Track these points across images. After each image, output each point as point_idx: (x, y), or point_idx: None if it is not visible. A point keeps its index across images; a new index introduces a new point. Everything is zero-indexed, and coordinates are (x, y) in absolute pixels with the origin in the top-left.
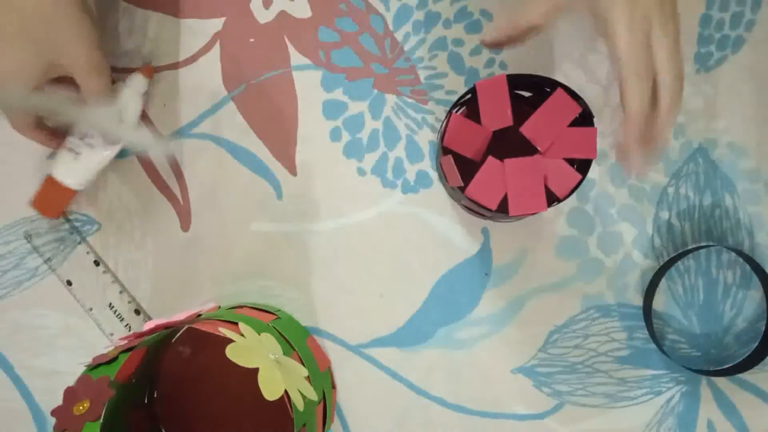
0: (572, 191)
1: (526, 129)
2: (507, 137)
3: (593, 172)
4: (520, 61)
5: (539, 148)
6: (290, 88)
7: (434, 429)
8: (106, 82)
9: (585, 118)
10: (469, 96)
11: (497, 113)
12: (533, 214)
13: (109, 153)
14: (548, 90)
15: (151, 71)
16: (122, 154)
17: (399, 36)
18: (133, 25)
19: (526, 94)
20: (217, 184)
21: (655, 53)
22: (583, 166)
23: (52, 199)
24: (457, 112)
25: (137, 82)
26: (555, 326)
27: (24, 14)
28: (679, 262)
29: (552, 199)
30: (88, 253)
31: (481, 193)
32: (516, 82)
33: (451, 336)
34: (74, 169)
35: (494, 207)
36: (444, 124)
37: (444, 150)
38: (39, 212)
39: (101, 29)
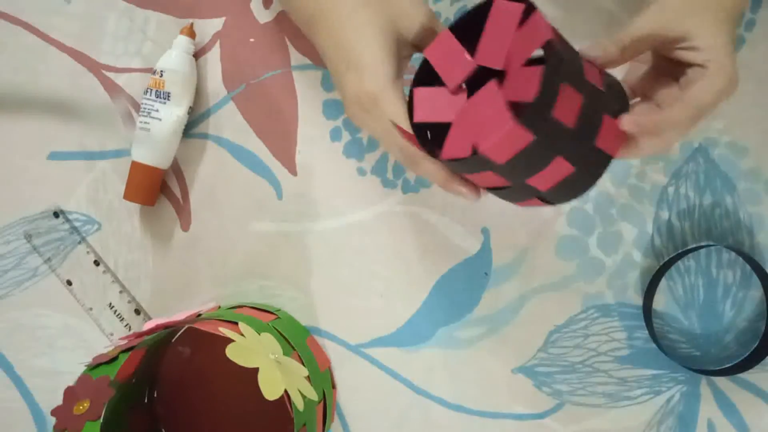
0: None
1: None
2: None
3: None
4: None
5: (497, 67)
6: (290, 88)
7: (434, 429)
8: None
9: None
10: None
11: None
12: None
13: (176, 116)
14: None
15: (192, 31)
16: (122, 154)
17: None
18: (133, 25)
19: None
20: (217, 184)
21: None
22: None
23: (143, 185)
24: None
25: (184, 43)
26: (555, 326)
27: (365, 5)
28: (679, 262)
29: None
30: (88, 252)
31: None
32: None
33: (451, 336)
34: (151, 145)
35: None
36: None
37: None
38: (135, 202)
39: None
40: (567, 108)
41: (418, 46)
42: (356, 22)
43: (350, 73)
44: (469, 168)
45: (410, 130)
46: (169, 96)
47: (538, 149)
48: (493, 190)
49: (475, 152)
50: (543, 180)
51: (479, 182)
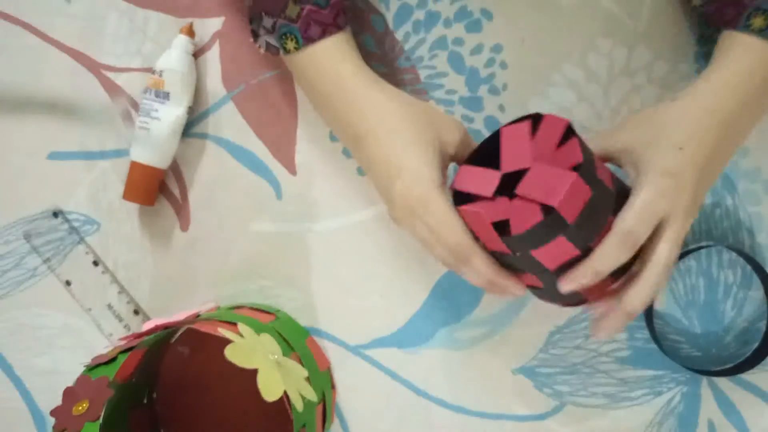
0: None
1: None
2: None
3: None
4: (520, 61)
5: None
6: (290, 88)
7: (434, 430)
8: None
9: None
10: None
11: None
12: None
13: (175, 116)
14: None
15: (192, 30)
16: (122, 154)
17: (399, 35)
18: (133, 25)
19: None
20: (216, 184)
21: (658, 238)
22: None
23: (142, 185)
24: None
25: (184, 43)
26: (556, 326)
27: (403, 122)
28: (680, 262)
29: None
30: (87, 253)
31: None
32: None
33: (452, 336)
34: (150, 144)
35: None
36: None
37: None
38: (135, 202)
39: None
40: (603, 172)
41: (454, 157)
42: (404, 135)
43: (399, 181)
44: (535, 242)
45: (461, 232)
46: (168, 96)
47: (597, 204)
48: (533, 289)
49: (548, 212)
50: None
51: (526, 279)
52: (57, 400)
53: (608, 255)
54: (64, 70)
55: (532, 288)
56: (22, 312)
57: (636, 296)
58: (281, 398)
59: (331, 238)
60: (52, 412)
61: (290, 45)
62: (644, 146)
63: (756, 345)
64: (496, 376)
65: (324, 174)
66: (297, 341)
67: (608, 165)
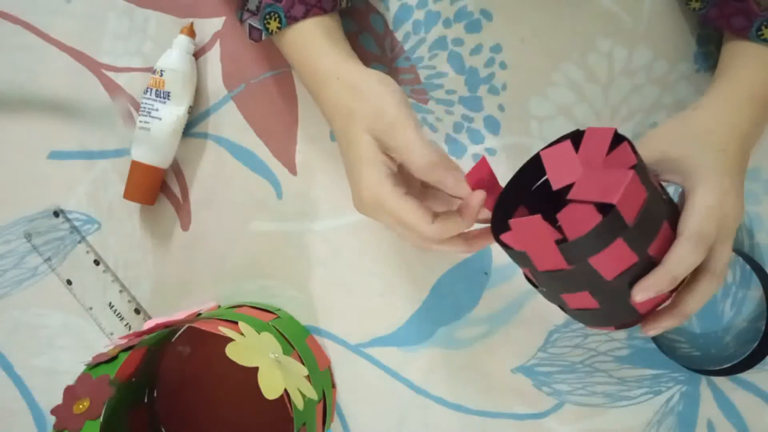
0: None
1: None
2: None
3: None
4: (520, 61)
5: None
6: (290, 88)
7: (434, 428)
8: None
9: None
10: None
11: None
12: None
13: (176, 115)
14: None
15: (192, 30)
16: (122, 154)
17: (399, 35)
18: (133, 25)
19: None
20: (217, 184)
21: (716, 250)
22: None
23: (143, 184)
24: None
25: (185, 43)
26: (555, 326)
27: (370, 116)
28: None
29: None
30: (88, 252)
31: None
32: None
33: (451, 335)
34: (150, 144)
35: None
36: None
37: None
38: (135, 202)
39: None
40: (654, 177)
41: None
42: (354, 133)
43: (354, 183)
44: (592, 248)
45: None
46: (169, 95)
47: (653, 206)
48: (584, 313)
49: (606, 211)
50: (658, 248)
51: (578, 301)
52: (57, 399)
53: (683, 258)
54: (65, 70)
55: (583, 312)
56: (22, 311)
57: (694, 301)
58: (282, 396)
59: (331, 237)
60: (53, 411)
61: (273, 25)
62: (688, 152)
63: (755, 344)
64: (496, 375)
65: (324, 174)
66: (297, 340)
67: None
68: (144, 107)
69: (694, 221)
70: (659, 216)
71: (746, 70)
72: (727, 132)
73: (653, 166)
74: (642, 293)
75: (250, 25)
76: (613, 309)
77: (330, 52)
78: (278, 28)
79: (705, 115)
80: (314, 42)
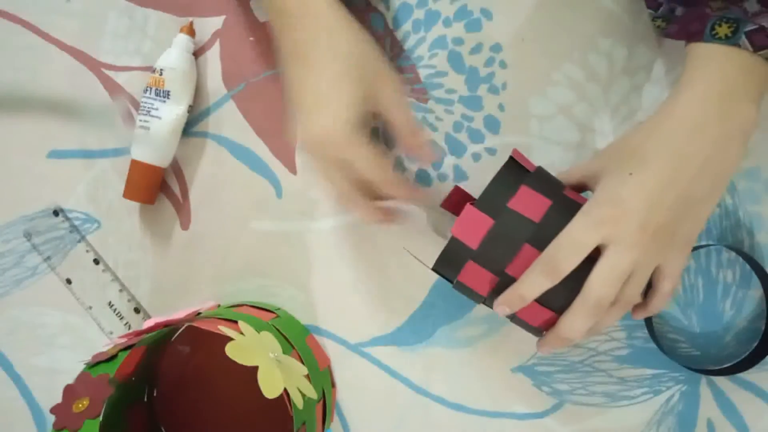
0: None
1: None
2: None
3: None
4: (520, 60)
5: None
6: None
7: (434, 428)
8: (412, 116)
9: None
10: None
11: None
12: None
13: (176, 114)
14: None
15: (192, 29)
16: (122, 153)
17: (399, 34)
18: (132, 24)
19: None
20: (216, 183)
21: (662, 269)
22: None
23: (143, 183)
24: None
25: (184, 42)
26: None
27: (347, 58)
28: None
29: None
30: (87, 251)
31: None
32: None
33: (451, 335)
34: (150, 143)
35: None
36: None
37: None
38: (135, 201)
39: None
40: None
41: (380, 111)
42: (334, 69)
43: (316, 115)
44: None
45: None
46: (168, 94)
47: (505, 230)
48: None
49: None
50: (519, 268)
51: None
52: (57, 398)
53: (531, 281)
54: (64, 69)
55: (518, 321)
56: (22, 310)
57: (565, 326)
58: (281, 396)
59: (331, 236)
60: (52, 410)
61: None
62: (604, 173)
63: (755, 344)
64: (496, 374)
65: None
66: (297, 339)
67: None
68: (144, 106)
69: (550, 246)
70: (517, 239)
71: (701, 71)
72: (651, 150)
73: (589, 184)
74: (498, 308)
75: None
76: (517, 321)
77: None
78: None
79: (639, 133)
80: None
